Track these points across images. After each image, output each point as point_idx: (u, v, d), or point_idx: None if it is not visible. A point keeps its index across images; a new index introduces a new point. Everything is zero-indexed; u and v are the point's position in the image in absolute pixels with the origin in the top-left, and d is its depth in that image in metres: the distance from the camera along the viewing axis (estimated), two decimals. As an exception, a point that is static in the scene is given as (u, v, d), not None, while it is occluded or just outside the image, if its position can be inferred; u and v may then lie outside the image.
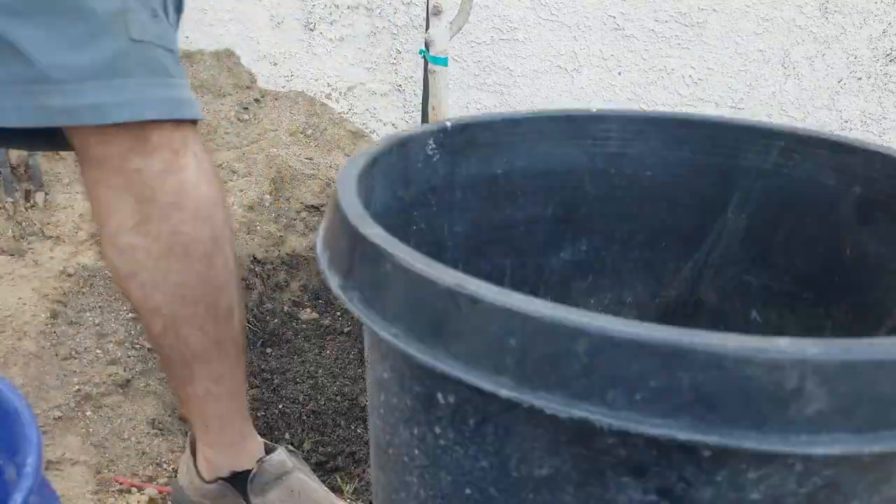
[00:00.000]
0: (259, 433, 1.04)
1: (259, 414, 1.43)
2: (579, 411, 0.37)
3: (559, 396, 0.38)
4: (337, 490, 1.22)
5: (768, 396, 0.35)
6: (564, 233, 0.84)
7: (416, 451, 0.51)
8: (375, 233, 0.47)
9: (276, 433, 1.39)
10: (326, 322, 1.82)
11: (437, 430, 0.48)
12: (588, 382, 0.37)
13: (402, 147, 0.68)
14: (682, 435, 0.36)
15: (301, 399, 1.47)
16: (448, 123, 0.72)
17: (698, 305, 0.85)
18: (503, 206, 0.80)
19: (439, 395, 0.47)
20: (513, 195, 0.80)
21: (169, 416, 1.39)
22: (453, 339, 0.41)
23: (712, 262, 0.83)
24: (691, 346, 0.36)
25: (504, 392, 0.39)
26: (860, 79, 2.21)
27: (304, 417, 1.43)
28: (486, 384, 0.40)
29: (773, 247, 0.79)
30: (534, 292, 0.85)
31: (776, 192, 0.77)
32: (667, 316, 0.86)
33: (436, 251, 0.77)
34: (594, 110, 0.81)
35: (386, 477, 0.57)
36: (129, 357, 1.45)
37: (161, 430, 1.35)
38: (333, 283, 0.49)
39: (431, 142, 0.71)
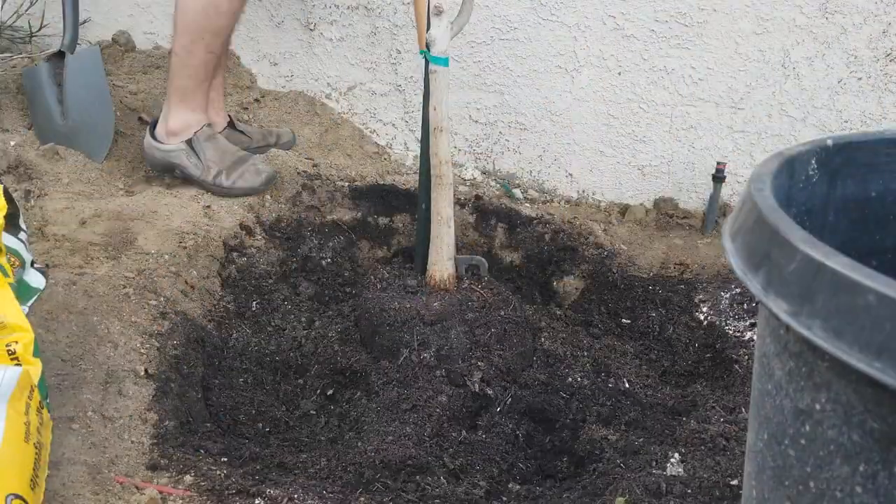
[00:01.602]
0: None
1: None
2: None
3: None
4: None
5: None
6: (950, 273, 0.76)
7: (858, 489, 0.50)
8: (843, 262, 0.46)
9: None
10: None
11: (896, 469, 0.46)
12: None
13: (789, 166, 0.66)
14: None
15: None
16: (829, 141, 0.69)
17: None
18: (872, 230, 0.75)
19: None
20: (884, 219, 0.74)
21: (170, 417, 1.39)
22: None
23: None
24: None
25: None
26: (860, 79, 2.20)
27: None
28: None
29: None
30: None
31: None
32: None
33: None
34: None
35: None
36: (132, 360, 1.45)
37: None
38: (777, 307, 0.50)
39: (814, 161, 0.68)
